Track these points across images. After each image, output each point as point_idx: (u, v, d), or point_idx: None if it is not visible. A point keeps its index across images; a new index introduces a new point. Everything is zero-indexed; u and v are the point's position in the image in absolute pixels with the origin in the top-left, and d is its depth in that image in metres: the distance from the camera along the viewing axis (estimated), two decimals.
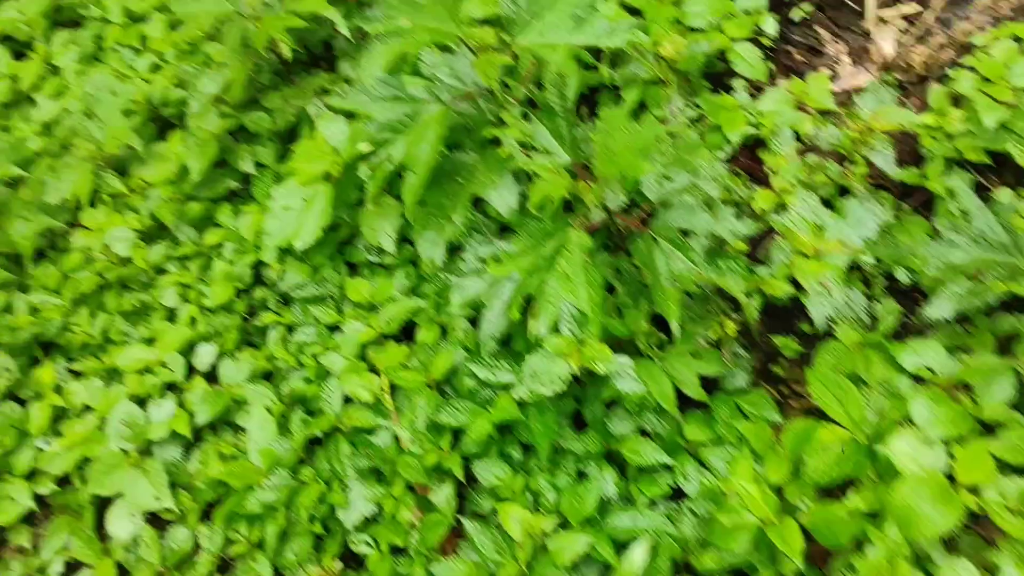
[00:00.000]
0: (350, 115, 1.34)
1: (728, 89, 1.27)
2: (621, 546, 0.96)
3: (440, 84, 1.15)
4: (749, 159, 1.22)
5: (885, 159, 1.12)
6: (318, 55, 1.48)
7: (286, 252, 1.29)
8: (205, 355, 1.27)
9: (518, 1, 1.16)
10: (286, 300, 1.30)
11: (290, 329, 1.28)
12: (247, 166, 1.39)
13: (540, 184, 0.97)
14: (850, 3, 1.35)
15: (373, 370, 1.17)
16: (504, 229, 1.20)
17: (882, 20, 1.32)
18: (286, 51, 1.26)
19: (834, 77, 1.28)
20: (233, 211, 1.39)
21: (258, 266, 1.33)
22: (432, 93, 1.13)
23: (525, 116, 1.06)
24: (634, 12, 1.28)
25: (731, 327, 1.07)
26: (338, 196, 1.23)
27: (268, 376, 1.26)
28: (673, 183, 1.09)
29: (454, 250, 1.18)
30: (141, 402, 1.24)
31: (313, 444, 1.17)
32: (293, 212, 1.24)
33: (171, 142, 1.45)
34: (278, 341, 1.27)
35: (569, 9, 1.09)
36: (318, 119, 1.33)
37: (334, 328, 1.25)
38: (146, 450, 1.22)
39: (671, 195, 1.08)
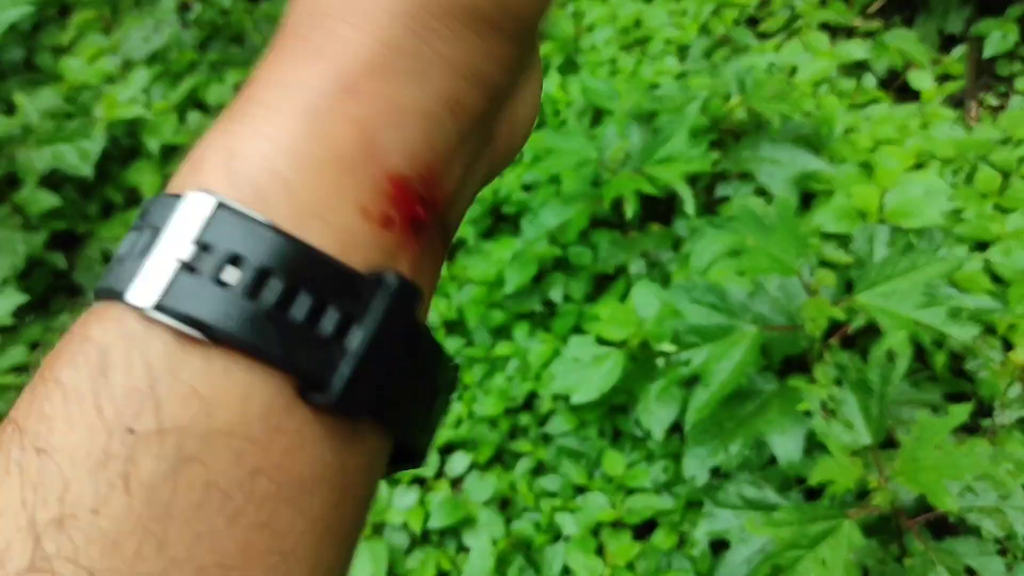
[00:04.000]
0: (666, 280, 1.43)
1: None
2: None
3: (761, 299, 1.20)
4: None
5: None
6: (658, 211, 1.59)
7: (561, 396, 1.41)
8: (459, 462, 1.43)
9: (874, 254, 1.18)
10: (546, 438, 1.42)
11: (539, 468, 1.39)
12: (556, 295, 1.53)
13: (827, 465, 0.99)
14: None
15: (600, 551, 1.25)
16: (771, 462, 1.22)
17: None
18: (629, 211, 1.38)
19: None
20: (529, 332, 1.54)
21: (532, 394, 1.47)
22: (750, 310, 1.18)
23: (838, 381, 1.08)
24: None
25: None
26: (628, 366, 1.32)
27: (505, 504, 1.38)
28: (976, 498, 1.05)
29: (719, 471, 1.22)
30: (391, 483, 1.43)
31: None
32: (581, 366, 1.35)
33: (498, 245, 1.63)
34: (525, 474, 1.39)
35: (925, 280, 1.09)
36: (636, 282, 1.43)
37: (580, 490, 1.34)
38: (379, 529, 1.39)
39: (969, 513, 1.04)
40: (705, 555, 1.18)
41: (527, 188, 1.71)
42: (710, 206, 1.53)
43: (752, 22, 1.80)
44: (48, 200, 1.66)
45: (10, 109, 1.75)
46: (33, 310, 1.70)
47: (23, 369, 1.55)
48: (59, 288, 1.75)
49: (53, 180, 1.72)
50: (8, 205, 1.68)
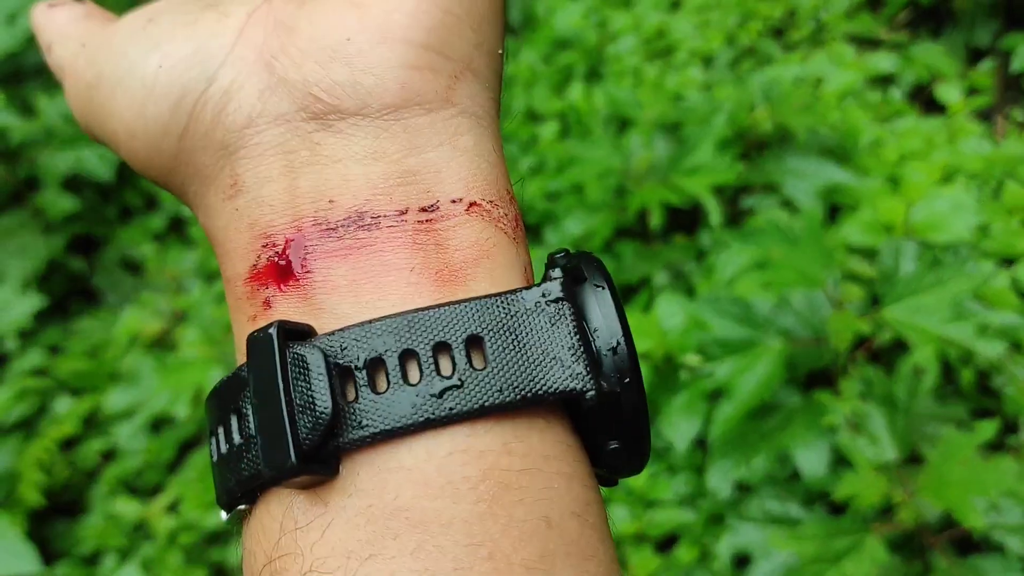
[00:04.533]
0: (690, 291, 1.46)
1: None
2: None
3: (786, 312, 1.22)
4: None
5: None
6: (682, 222, 1.62)
7: None
8: None
9: (900, 268, 1.21)
10: None
11: None
12: None
13: (852, 481, 1.01)
14: None
15: (622, 564, 1.27)
16: (793, 476, 1.24)
17: None
18: (654, 221, 1.41)
19: None
20: None
21: None
22: (775, 323, 1.21)
23: (864, 396, 1.10)
24: None
25: None
26: (651, 377, 1.35)
27: None
28: (1001, 516, 1.07)
29: (742, 485, 1.24)
30: None
31: None
32: None
33: None
34: None
35: (951, 295, 1.12)
36: (659, 293, 1.46)
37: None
38: None
39: (994, 531, 1.06)
40: (727, 569, 1.20)
41: (550, 197, 1.74)
42: (734, 218, 1.56)
43: (778, 33, 1.83)
44: (68, 203, 1.70)
45: (31, 113, 1.79)
46: (51, 314, 1.74)
47: (42, 372, 1.59)
48: (77, 292, 1.80)
49: (73, 183, 1.76)
50: (29, 208, 1.72)
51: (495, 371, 0.24)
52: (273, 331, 0.23)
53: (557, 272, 0.26)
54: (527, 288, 0.25)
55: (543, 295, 0.25)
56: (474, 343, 0.24)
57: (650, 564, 1.24)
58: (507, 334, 0.24)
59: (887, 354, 1.24)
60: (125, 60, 0.28)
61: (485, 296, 0.24)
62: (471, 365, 0.23)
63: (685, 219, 1.61)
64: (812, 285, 1.14)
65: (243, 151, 0.26)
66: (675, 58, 1.74)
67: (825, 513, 1.15)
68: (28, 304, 1.62)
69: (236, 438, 0.24)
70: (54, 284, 1.75)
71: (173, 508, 1.40)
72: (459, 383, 0.23)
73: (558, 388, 0.24)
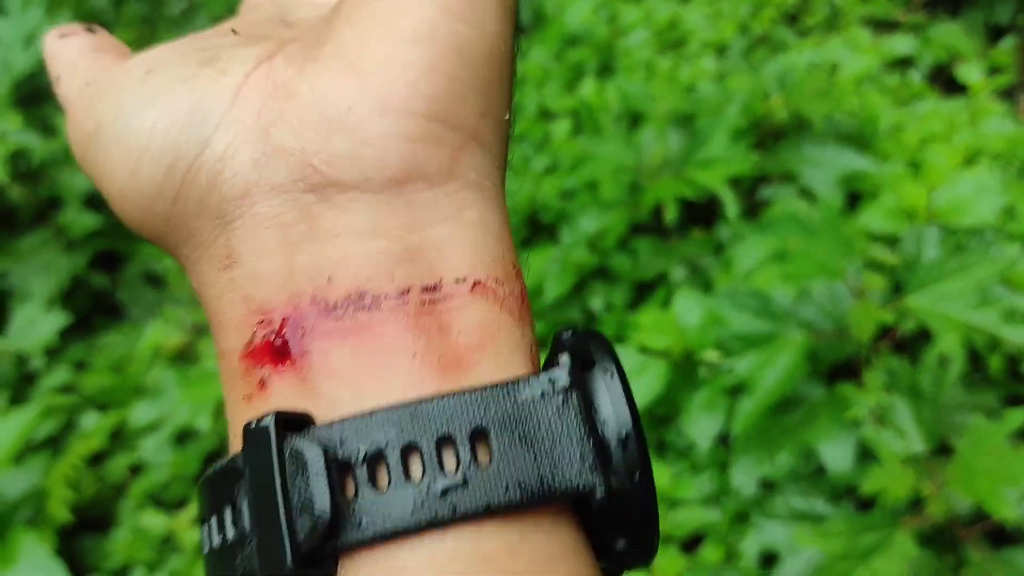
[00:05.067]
0: (708, 286, 1.44)
1: None
2: None
3: (807, 304, 1.20)
4: None
5: None
6: (698, 216, 1.59)
7: None
8: None
9: (923, 254, 1.17)
10: None
11: None
12: (596, 303, 1.54)
13: (879, 474, 0.98)
14: None
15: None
16: (818, 471, 1.21)
17: None
18: (669, 215, 1.39)
19: None
20: None
21: None
22: (796, 316, 1.18)
23: (889, 387, 1.07)
24: None
25: None
26: (671, 375, 1.32)
27: None
28: None
29: (767, 483, 1.22)
30: None
31: None
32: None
33: (537, 255, 1.65)
34: None
35: (976, 280, 1.08)
36: (677, 288, 1.44)
37: None
38: None
39: None
40: (754, 569, 1.18)
41: (565, 195, 1.72)
42: (752, 209, 1.53)
43: (791, 19, 1.80)
44: (90, 220, 1.71)
45: (51, 132, 1.81)
46: (76, 330, 1.75)
47: (69, 389, 1.60)
48: (101, 307, 1.81)
49: (94, 201, 1.77)
50: (52, 227, 1.73)
51: (501, 468, 0.23)
52: (270, 423, 0.22)
53: (565, 358, 0.25)
54: (535, 376, 0.24)
55: (550, 381, 0.24)
56: (479, 436, 0.23)
57: (676, 565, 1.22)
58: (513, 426, 0.23)
59: (912, 343, 1.21)
60: (122, 114, 0.27)
61: (490, 385, 0.23)
62: (476, 460, 0.23)
63: (702, 213, 1.58)
64: (832, 275, 1.12)
65: (238, 222, 0.25)
66: (687, 49, 1.72)
67: (852, 509, 1.13)
68: (53, 321, 1.64)
69: (229, 532, 0.23)
70: (78, 301, 1.76)
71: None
72: (463, 481, 0.22)
73: (567, 487, 0.23)
